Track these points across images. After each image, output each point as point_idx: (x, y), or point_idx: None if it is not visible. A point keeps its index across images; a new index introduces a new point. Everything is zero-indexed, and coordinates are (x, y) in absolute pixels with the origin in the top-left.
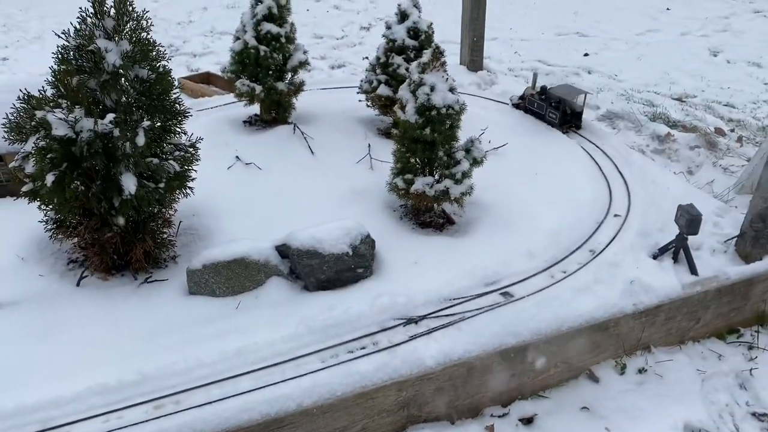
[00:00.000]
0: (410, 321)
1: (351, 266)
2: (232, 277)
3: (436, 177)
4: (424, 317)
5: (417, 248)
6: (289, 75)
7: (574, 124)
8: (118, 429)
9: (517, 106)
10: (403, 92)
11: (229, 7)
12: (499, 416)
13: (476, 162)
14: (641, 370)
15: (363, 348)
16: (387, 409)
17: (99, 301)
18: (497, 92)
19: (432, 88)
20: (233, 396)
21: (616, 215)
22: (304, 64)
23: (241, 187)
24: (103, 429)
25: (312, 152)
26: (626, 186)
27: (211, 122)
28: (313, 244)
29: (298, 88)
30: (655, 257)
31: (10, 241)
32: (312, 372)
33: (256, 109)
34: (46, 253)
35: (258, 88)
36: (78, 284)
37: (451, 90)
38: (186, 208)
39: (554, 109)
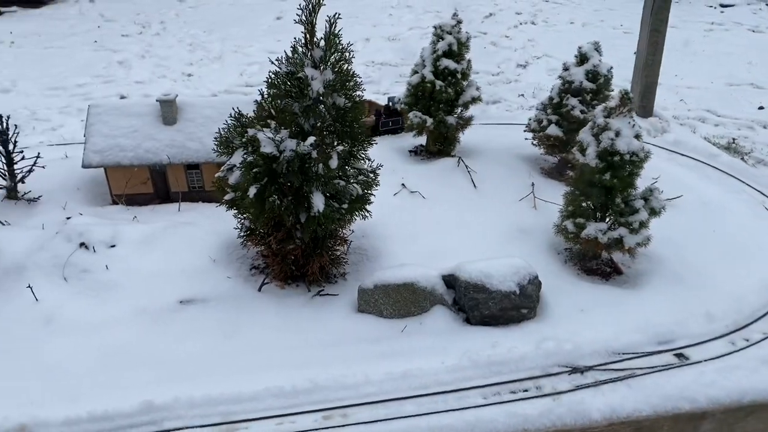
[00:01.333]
0: (576, 370)
1: (516, 305)
2: (400, 301)
3: (610, 224)
4: (591, 368)
5: (582, 295)
6: (459, 110)
7: None
8: None
9: None
10: (584, 135)
11: (390, 40)
12: None
13: (654, 212)
14: None
15: (525, 390)
16: None
17: (277, 308)
18: (669, 141)
19: (617, 133)
20: (398, 418)
21: None
22: (476, 99)
23: (406, 213)
24: (276, 430)
25: (475, 186)
26: None
27: (378, 149)
28: (482, 278)
29: (466, 122)
30: None
31: (204, 243)
32: (475, 407)
33: (422, 140)
34: (233, 257)
35: (429, 121)
36: (260, 289)
37: (637, 137)
38: (356, 229)
39: None
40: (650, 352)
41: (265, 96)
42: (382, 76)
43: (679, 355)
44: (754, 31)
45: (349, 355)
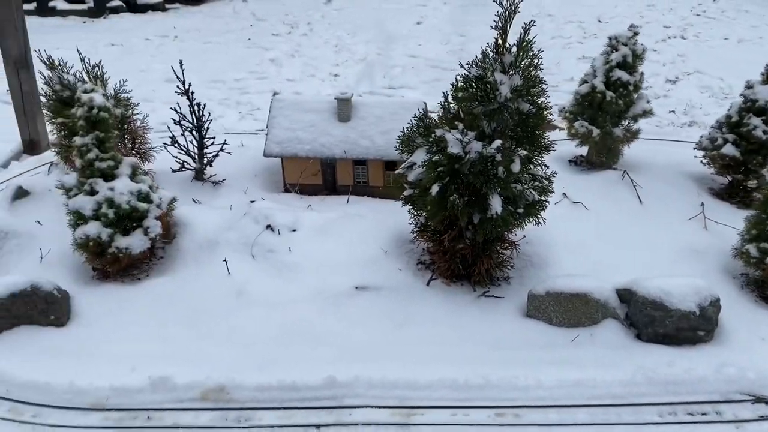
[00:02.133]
0: (761, 400)
1: (693, 326)
2: (571, 310)
3: None
4: None
5: (763, 323)
6: (627, 122)
7: None
8: (464, 425)
9: None
10: None
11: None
12: None
13: None
14: None
15: (704, 414)
16: None
17: (444, 303)
18: None
19: None
20: (571, 425)
21: None
22: (647, 113)
23: (568, 223)
24: (450, 421)
25: (640, 201)
26: None
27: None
28: (660, 295)
29: (633, 135)
30: None
31: (374, 235)
32: (652, 423)
33: (583, 150)
34: (401, 251)
35: (595, 131)
36: (428, 284)
37: None
38: (520, 235)
39: None
40: None
41: (450, 99)
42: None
43: None
44: None
45: (520, 358)
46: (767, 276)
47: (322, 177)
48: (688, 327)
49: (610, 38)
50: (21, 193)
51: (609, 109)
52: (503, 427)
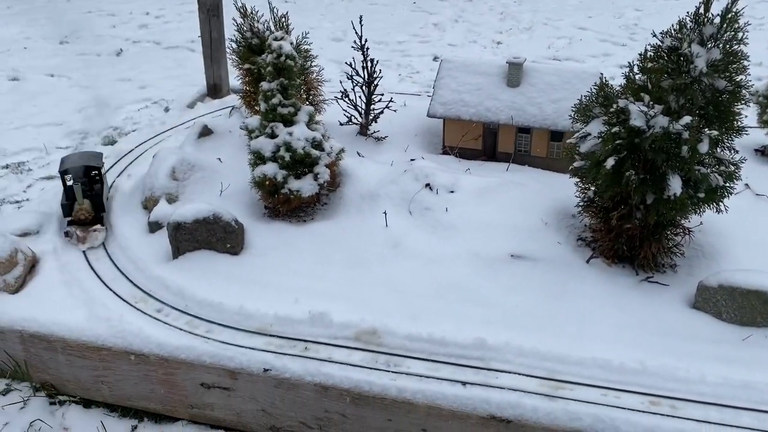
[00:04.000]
0: None
1: None
2: (746, 307)
3: None
4: None
5: None
6: None
7: None
8: (614, 407)
9: None
10: None
11: None
12: None
13: None
14: None
15: None
16: None
17: (604, 283)
18: None
19: None
20: (734, 426)
21: None
22: None
23: (749, 216)
24: (599, 400)
25: None
26: None
27: None
28: None
29: None
30: None
31: (535, 205)
32: None
33: None
34: (562, 225)
35: None
36: (588, 261)
37: None
38: (695, 221)
39: None
40: None
41: (636, 69)
42: None
43: None
44: None
45: (682, 349)
46: None
47: (482, 142)
48: None
49: None
50: (205, 132)
51: None
52: (656, 416)
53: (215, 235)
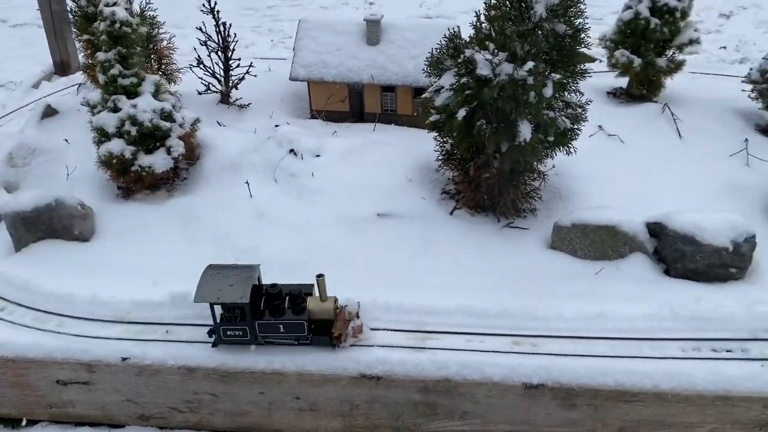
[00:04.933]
0: None
1: (725, 263)
2: (597, 242)
3: None
4: None
5: None
6: (671, 52)
7: None
8: (480, 351)
9: None
10: None
11: None
12: None
13: None
14: None
15: (729, 351)
16: (743, 422)
17: (468, 233)
18: None
19: None
20: (588, 356)
21: None
22: (693, 42)
23: (602, 156)
24: (465, 346)
25: (680, 135)
26: None
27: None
28: (693, 230)
29: (677, 66)
30: None
31: (399, 163)
32: (673, 358)
33: (622, 81)
34: (426, 180)
35: (636, 61)
36: (451, 213)
37: None
38: (549, 166)
39: None
40: None
41: (482, 18)
42: None
43: None
44: None
45: (541, 288)
46: None
47: (349, 103)
48: (719, 263)
49: None
50: (49, 112)
51: (653, 38)
52: (519, 355)
53: (60, 223)
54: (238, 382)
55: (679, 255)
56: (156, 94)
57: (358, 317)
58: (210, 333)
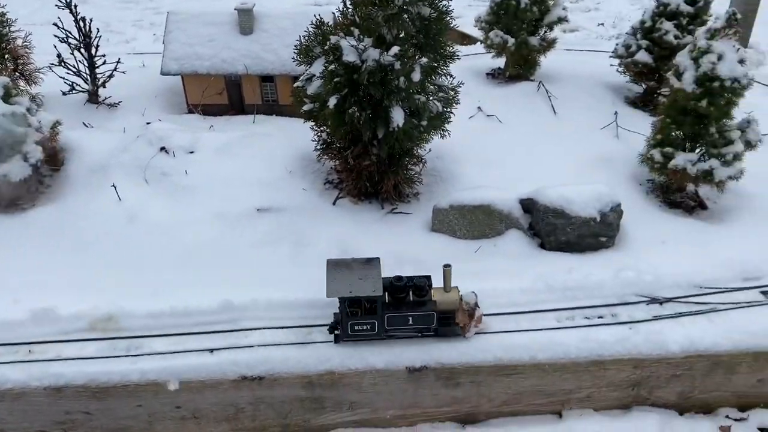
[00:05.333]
0: (655, 300)
1: (595, 233)
2: (474, 222)
3: (700, 154)
4: (670, 300)
5: (665, 228)
6: (543, 30)
7: None
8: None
9: None
10: (682, 58)
11: None
12: (736, 419)
13: (750, 145)
14: None
15: (600, 317)
16: (617, 384)
17: (351, 222)
18: (765, 74)
19: (719, 57)
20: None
21: None
22: (562, 20)
23: (482, 136)
24: None
25: (555, 112)
26: None
27: (452, 71)
28: (562, 203)
29: (549, 44)
30: None
31: (280, 155)
32: (549, 329)
33: (500, 62)
34: (308, 170)
35: (510, 41)
36: (334, 203)
37: (741, 62)
38: (431, 150)
39: None
40: (735, 288)
41: (348, 3)
42: None
43: (767, 293)
44: None
45: (423, 271)
46: (671, 181)
47: (227, 96)
48: (589, 234)
49: None
50: None
51: (524, 17)
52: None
53: None
54: (112, 397)
55: (552, 228)
56: (6, 97)
57: (477, 306)
58: (331, 329)
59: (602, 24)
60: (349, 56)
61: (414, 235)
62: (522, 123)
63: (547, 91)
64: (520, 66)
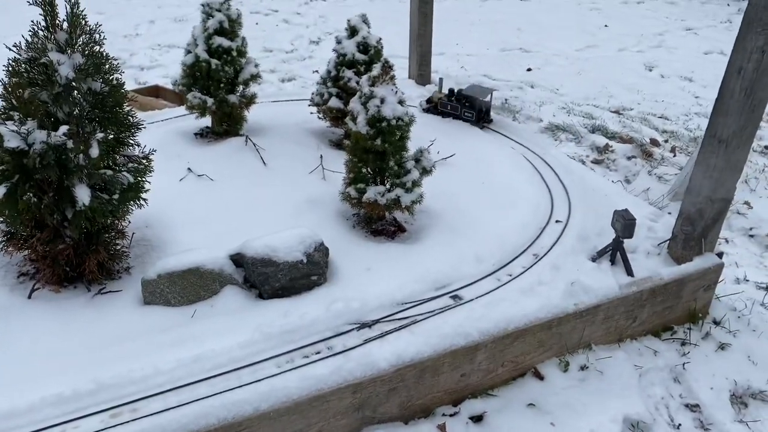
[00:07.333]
0: (364, 325)
1: (305, 273)
2: (187, 287)
3: (388, 186)
4: (377, 321)
5: (370, 255)
6: (241, 88)
7: (485, 119)
8: None
9: (427, 110)
10: (354, 104)
11: (177, 21)
12: (450, 415)
13: (426, 171)
14: (583, 368)
15: (318, 353)
16: (342, 412)
17: (52, 313)
18: None
19: (382, 101)
20: (190, 402)
21: (557, 221)
22: (255, 77)
23: (194, 198)
24: None
25: (264, 163)
26: (567, 194)
27: (162, 135)
28: (268, 252)
29: (249, 100)
30: (593, 260)
31: None
32: (268, 377)
33: (207, 121)
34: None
35: (210, 101)
36: (29, 297)
37: (401, 102)
38: (139, 220)
39: (469, 108)
40: (429, 298)
41: (8, 86)
42: (172, 60)
43: (454, 297)
44: (521, 0)
45: (136, 349)
46: (370, 213)
47: None
48: (300, 275)
49: (203, 5)
50: None
51: (218, 77)
52: (120, 426)
53: None
54: None
55: (264, 278)
56: None
57: None
58: None
59: (317, 71)
60: (12, 142)
61: (124, 314)
62: (233, 178)
63: (255, 144)
64: (226, 123)
